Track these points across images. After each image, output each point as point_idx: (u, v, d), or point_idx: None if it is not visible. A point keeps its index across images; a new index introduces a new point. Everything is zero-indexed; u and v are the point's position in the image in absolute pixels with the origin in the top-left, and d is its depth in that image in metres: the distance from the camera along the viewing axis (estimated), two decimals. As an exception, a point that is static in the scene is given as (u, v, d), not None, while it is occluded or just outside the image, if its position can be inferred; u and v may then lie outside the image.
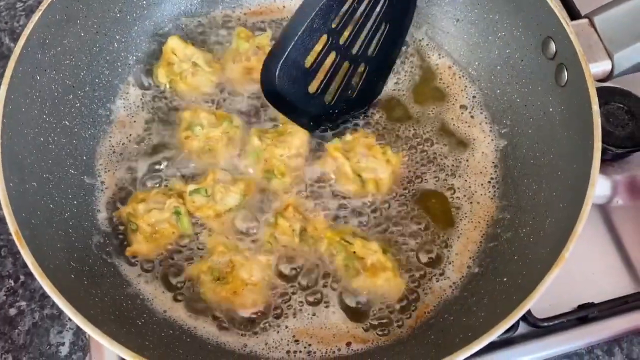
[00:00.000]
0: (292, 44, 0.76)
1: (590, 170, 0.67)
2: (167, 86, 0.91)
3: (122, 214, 0.81)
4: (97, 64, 0.87)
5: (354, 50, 0.83)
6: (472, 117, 0.90)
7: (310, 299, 0.78)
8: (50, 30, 0.78)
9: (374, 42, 0.85)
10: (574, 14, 0.99)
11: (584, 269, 0.88)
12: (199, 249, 0.81)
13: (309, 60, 0.79)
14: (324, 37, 0.79)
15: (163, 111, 0.90)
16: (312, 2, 0.76)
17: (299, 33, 0.75)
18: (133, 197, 0.83)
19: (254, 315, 0.77)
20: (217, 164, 0.85)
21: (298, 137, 0.85)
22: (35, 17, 0.75)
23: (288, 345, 0.75)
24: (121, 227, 0.82)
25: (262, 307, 0.77)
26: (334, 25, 0.78)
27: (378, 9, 0.83)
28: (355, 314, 0.77)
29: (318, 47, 0.79)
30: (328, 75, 0.82)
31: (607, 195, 0.94)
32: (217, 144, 0.85)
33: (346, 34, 0.81)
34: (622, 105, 0.93)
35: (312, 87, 0.82)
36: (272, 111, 0.88)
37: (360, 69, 0.86)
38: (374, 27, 0.84)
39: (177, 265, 0.80)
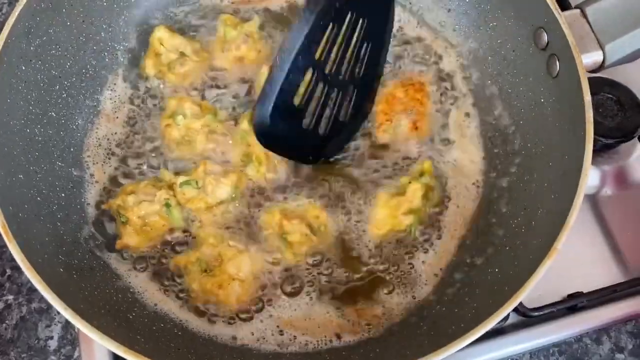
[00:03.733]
0: (279, 87, 0.75)
1: (583, 161, 0.67)
2: (155, 77, 0.89)
3: (112, 206, 0.80)
4: (83, 54, 0.85)
5: (341, 77, 0.82)
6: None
7: (297, 291, 0.78)
8: (35, 19, 0.76)
9: (359, 63, 0.83)
10: (565, 4, 0.98)
11: (573, 258, 0.88)
12: (189, 241, 0.80)
13: (298, 97, 0.79)
14: (310, 71, 0.78)
15: (151, 102, 0.89)
16: (292, 40, 0.75)
17: (285, 74, 0.75)
18: (122, 189, 0.82)
19: (242, 314, 0.76)
20: (195, 157, 0.84)
21: None
22: (20, 6, 0.73)
23: (274, 336, 0.75)
24: (110, 220, 0.81)
25: (246, 305, 0.77)
26: (317, 57, 0.77)
27: (358, 30, 0.81)
28: (346, 305, 0.77)
29: (305, 82, 0.78)
30: (319, 107, 0.81)
31: (595, 185, 0.95)
32: (197, 136, 0.84)
33: (330, 62, 0.80)
34: (611, 96, 0.93)
35: (306, 123, 0.81)
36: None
37: (349, 93, 0.84)
38: (356, 49, 0.82)
39: (167, 258, 0.79)
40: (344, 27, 0.79)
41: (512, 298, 0.61)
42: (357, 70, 0.83)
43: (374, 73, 0.87)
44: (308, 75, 0.78)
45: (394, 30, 0.91)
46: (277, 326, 0.75)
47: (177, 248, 0.80)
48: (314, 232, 0.79)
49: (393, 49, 0.92)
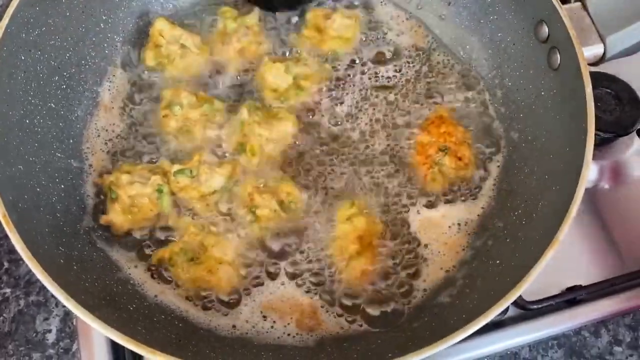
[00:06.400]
0: None
1: (584, 153, 0.67)
2: (155, 69, 0.89)
3: (105, 181, 0.80)
4: (83, 45, 0.85)
5: None
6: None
7: (289, 277, 0.78)
8: (35, 8, 0.75)
9: None
10: (564, -2, 0.99)
11: (571, 252, 0.90)
12: (172, 230, 0.80)
13: None
14: None
15: (151, 94, 0.88)
16: None
17: None
18: (119, 167, 0.82)
19: (234, 295, 0.76)
20: (194, 146, 0.84)
21: (285, 125, 0.84)
22: (20, -5, 0.73)
23: (267, 320, 0.75)
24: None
25: (239, 286, 0.77)
26: None
27: None
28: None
29: None
30: None
31: (593, 179, 0.96)
32: (195, 126, 0.84)
33: None
34: (609, 91, 0.94)
35: None
36: (261, 95, 0.88)
37: None
38: None
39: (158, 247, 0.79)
40: None
41: (515, 288, 0.61)
42: None
43: None
44: None
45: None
46: (261, 311, 0.75)
47: (167, 236, 0.80)
48: (284, 209, 0.80)
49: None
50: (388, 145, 0.86)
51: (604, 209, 0.94)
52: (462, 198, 0.83)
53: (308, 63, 0.89)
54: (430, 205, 0.83)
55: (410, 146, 0.85)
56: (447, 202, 0.83)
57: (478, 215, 0.82)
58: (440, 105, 0.88)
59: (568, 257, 0.88)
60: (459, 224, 0.81)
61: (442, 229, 0.81)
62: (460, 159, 0.83)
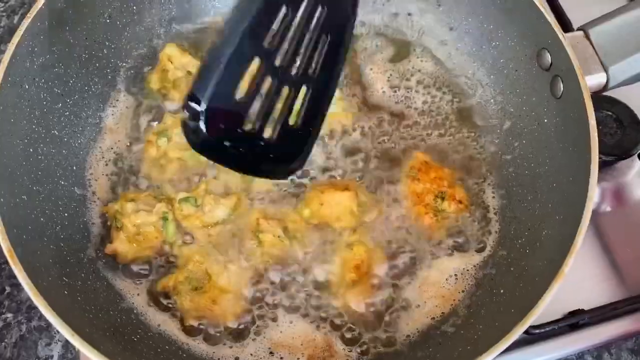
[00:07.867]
0: (218, 75, 0.61)
1: (588, 185, 0.67)
2: (159, 93, 0.89)
3: (110, 210, 0.80)
4: (86, 72, 0.85)
5: (294, 73, 0.68)
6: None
7: (293, 310, 0.78)
8: (39, 37, 0.75)
9: (315, 60, 0.69)
10: (566, 26, 0.99)
11: (574, 275, 0.88)
12: (177, 259, 0.80)
13: (240, 91, 0.64)
14: (256, 61, 0.64)
15: (152, 119, 0.88)
16: (235, 20, 0.61)
17: (226, 59, 0.61)
18: (123, 196, 0.81)
19: (240, 326, 0.76)
20: (162, 181, 0.84)
21: None
22: (24, 25, 0.73)
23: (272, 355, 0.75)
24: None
25: (243, 317, 0.77)
26: (266, 45, 0.64)
27: (315, 19, 0.67)
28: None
29: (250, 74, 0.64)
30: (265, 106, 0.66)
31: (595, 201, 0.96)
32: (169, 164, 0.84)
33: (282, 53, 0.66)
34: (611, 114, 0.94)
35: (249, 123, 0.67)
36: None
37: (301, 94, 0.69)
38: (313, 42, 0.68)
39: (162, 275, 0.79)
40: (300, 13, 0.66)
41: (521, 322, 0.61)
42: (312, 68, 0.69)
43: (328, 78, 0.71)
44: (254, 65, 0.64)
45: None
46: (269, 348, 0.75)
47: (169, 264, 0.80)
48: (289, 236, 0.80)
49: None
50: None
51: (606, 232, 0.94)
52: (465, 243, 0.83)
53: None
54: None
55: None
56: (454, 247, 0.82)
57: (484, 257, 0.81)
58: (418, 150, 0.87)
59: (570, 280, 0.87)
60: (456, 275, 0.81)
61: (440, 282, 0.80)
62: (460, 201, 0.82)
